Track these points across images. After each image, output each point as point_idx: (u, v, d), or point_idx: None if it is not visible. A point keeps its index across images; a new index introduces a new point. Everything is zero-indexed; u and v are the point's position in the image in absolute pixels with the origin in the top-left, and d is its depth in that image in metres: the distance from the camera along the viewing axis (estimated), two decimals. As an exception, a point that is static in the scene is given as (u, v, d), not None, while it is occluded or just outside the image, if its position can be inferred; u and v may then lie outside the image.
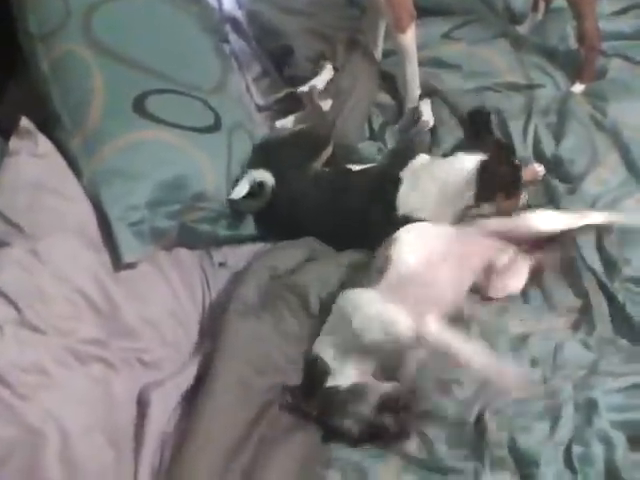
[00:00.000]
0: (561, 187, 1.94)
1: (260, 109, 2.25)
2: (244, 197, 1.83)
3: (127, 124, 1.69)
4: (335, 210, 1.85)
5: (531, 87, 2.24)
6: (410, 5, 2.05)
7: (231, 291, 1.71)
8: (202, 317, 1.74)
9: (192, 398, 1.53)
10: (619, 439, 1.42)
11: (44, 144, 1.61)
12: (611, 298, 1.69)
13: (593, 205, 1.87)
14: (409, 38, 2.06)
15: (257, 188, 1.85)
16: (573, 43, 2.29)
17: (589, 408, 1.48)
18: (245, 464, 1.42)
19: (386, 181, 1.84)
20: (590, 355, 1.60)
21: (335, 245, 1.85)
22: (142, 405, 1.48)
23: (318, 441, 1.50)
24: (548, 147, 2.05)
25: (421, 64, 2.14)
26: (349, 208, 1.84)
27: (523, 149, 2.04)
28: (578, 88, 2.22)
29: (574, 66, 2.26)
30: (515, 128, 2.08)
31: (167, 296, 1.69)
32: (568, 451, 1.43)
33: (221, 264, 1.84)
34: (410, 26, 2.05)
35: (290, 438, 1.48)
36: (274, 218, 1.88)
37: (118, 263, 1.58)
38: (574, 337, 1.65)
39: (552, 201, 1.92)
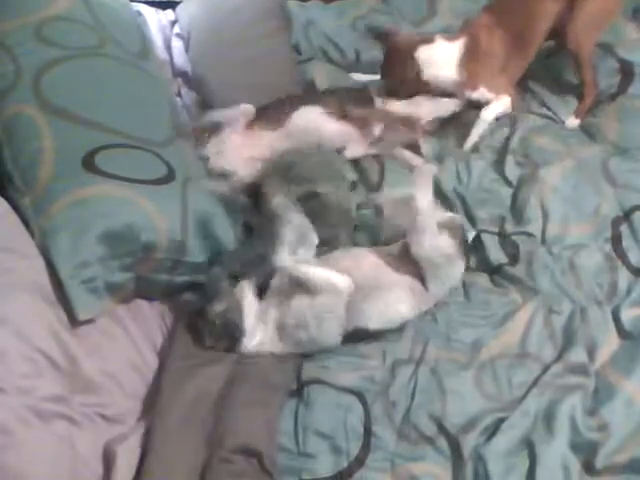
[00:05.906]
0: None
1: None
2: None
3: (75, 181, 1.69)
4: None
5: None
6: None
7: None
8: (163, 366, 1.74)
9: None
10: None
11: (0, 204, 1.62)
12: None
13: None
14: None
15: None
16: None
17: None
18: None
19: None
20: None
21: None
22: (108, 461, 1.49)
23: None
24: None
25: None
26: None
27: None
28: (573, 123, 2.33)
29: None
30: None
31: (127, 348, 1.69)
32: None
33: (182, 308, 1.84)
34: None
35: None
36: None
37: (75, 320, 1.59)
38: None
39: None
